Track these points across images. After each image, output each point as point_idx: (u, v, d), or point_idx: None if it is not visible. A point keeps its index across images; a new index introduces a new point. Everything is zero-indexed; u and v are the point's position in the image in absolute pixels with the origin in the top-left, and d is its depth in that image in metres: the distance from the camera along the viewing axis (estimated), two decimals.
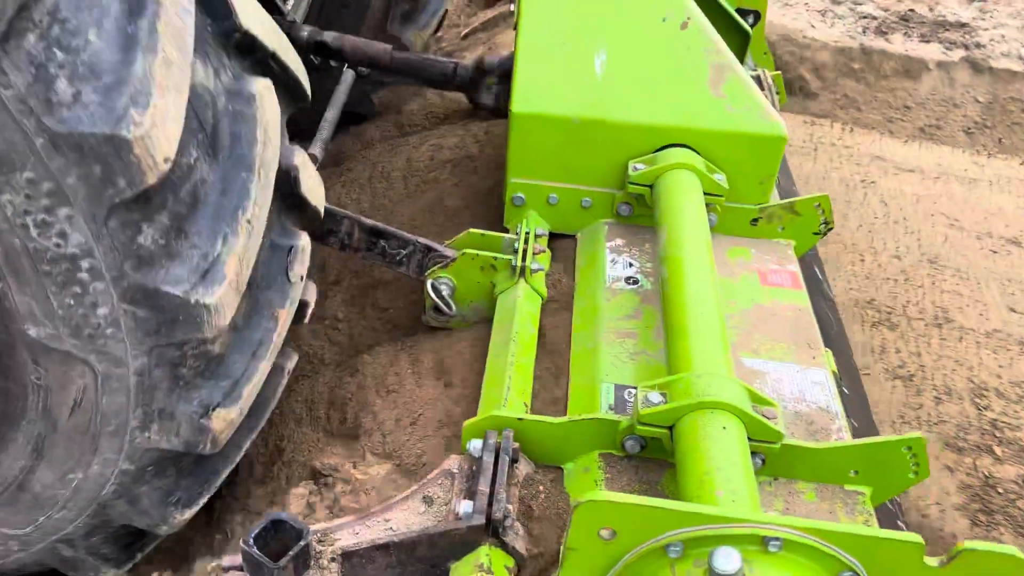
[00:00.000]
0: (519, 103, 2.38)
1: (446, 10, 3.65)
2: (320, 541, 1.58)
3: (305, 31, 2.88)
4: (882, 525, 1.81)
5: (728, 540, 1.19)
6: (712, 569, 1.14)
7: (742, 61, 3.01)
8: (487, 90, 2.86)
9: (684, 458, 1.55)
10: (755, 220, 2.50)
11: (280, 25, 2.01)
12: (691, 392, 1.63)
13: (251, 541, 1.44)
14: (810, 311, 2.27)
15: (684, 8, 2.39)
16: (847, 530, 1.20)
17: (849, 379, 2.28)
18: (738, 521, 1.19)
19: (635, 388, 1.83)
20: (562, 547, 1.30)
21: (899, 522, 1.91)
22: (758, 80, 2.81)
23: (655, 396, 1.66)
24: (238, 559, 1.49)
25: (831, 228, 2.48)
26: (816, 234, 2.51)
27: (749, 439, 1.62)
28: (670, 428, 1.64)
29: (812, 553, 1.21)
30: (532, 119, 2.38)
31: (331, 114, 2.86)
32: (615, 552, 1.26)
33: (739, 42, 2.99)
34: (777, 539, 1.19)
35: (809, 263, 2.70)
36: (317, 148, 2.67)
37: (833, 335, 2.43)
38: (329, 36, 2.90)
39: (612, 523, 1.23)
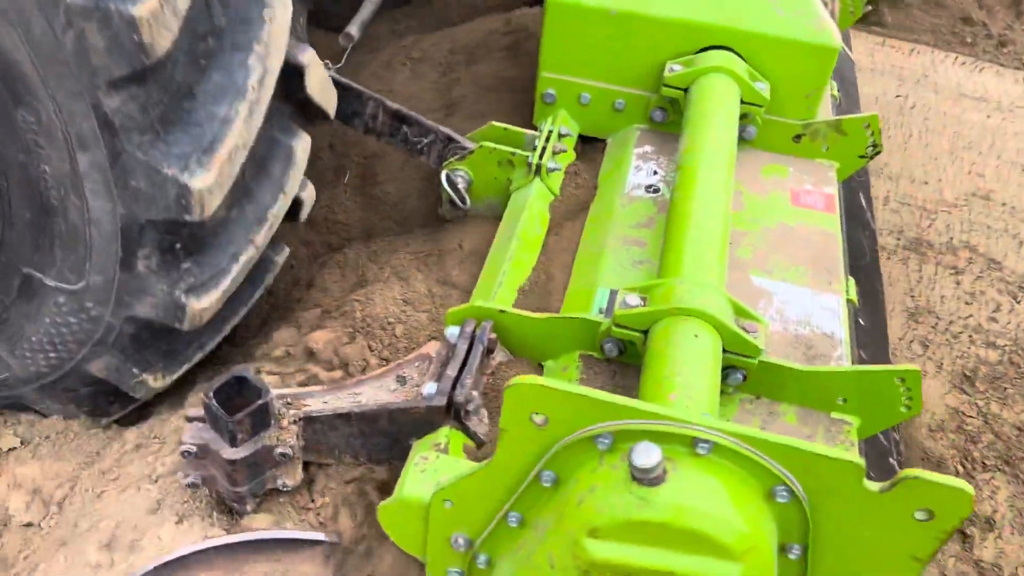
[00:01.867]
0: None
1: None
2: (288, 404, 1.62)
3: None
4: (871, 460, 1.74)
5: (655, 437, 1.16)
6: (631, 463, 1.11)
7: None
8: None
9: (650, 361, 1.51)
10: (798, 137, 2.35)
11: None
12: (670, 298, 1.57)
13: (211, 394, 1.49)
14: (838, 237, 2.14)
15: None
16: (781, 441, 1.14)
17: (871, 313, 2.17)
18: (667, 419, 1.15)
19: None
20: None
21: (891, 459, 1.83)
22: None
23: (633, 298, 1.61)
24: (202, 411, 1.54)
25: (879, 151, 2.31)
26: (862, 157, 2.35)
27: (725, 351, 1.56)
28: (645, 332, 1.60)
29: (743, 461, 1.17)
30: (568, 8, 2.27)
31: None
32: (548, 438, 1.24)
33: None
34: (706, 442, 1.15)
35: (855, 188, 2.55)
36: (355, 27, 2.63)
37: (864, 266, 2.30)
38: None
39: (544, 409, 1.21)
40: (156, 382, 1.95)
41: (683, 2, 2.22)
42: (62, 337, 1.86)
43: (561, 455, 1.24)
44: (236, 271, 1.82)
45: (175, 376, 1.99)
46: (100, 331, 1.83)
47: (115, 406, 2.07)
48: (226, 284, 1.80)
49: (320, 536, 1.60)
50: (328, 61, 2.35)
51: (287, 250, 2.17)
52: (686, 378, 1.41)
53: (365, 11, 2.68)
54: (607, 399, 1.17)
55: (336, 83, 2.35)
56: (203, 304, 1.77)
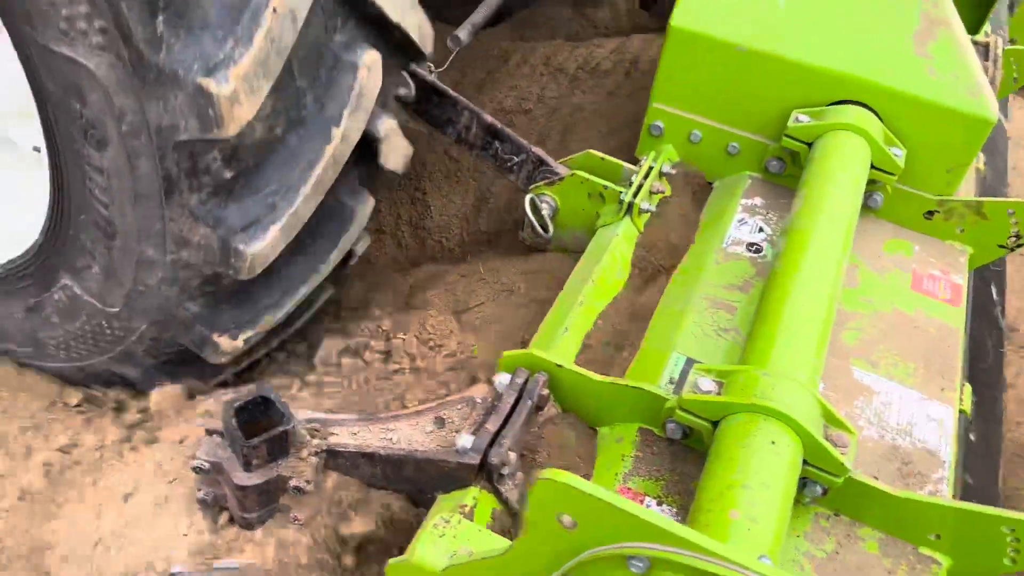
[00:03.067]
0: (681, 16, 2.07)
1: None
2: (314, 431, 1.50)
3: None
4: None
5: (697, 574, 0.97)
6: None
7: (980, 23, 2.49)
8: None
9: (714, 462, 1.31)
10: (930, 213, 2.08)
11: None
12: (750, 390, 1.37)
13: (232, 411, 1.38)
14: (959, 334, 1.87)
15: None
16: None
17: (986, 426, 1.88)
18: (715, 557, 0.96)
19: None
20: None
21: None
22: (984, 48, 2.30)
23: (707, 382, 1.41)
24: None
25: (1023, 244, 2.02)
26: (1002, 247, 2.06)
27: (805, 463, 1.35)
28: (715, 423, 1.40)
29: None
30: (692, 38, 2.07)
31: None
32: (575, 542, 1.07)
33: (982, 2, 2.45)
34: None
35: (988, 278, 2.25)
36: (464, 31, 2.50)
37: (985, 369, 2.01)
38: None
39: (575, 512, 1.04)
40: (227, 343, 1.82)
41: (821, 48, 1.99)
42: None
43: (589, 565, 1.07)
44: (294, 209, 1.67)
45: (245, 338, 1.84)
46: None
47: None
48: (280, 224, 1.66)
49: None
50: (431, 64, 2.24)
51: (372, 201, 1.99)
52: (754, 494, 1.21)
53: (479, 14, 2.55)
54: (648, 518, 0.99)
55: (434, 89, 2.24)
56: (256, 248, 1.62)
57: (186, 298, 1.74)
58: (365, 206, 1.93)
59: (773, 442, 1.30)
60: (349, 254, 1.98)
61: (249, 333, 1.69)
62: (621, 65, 2.77)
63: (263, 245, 1.64)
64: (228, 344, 1.71)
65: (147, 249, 1.72)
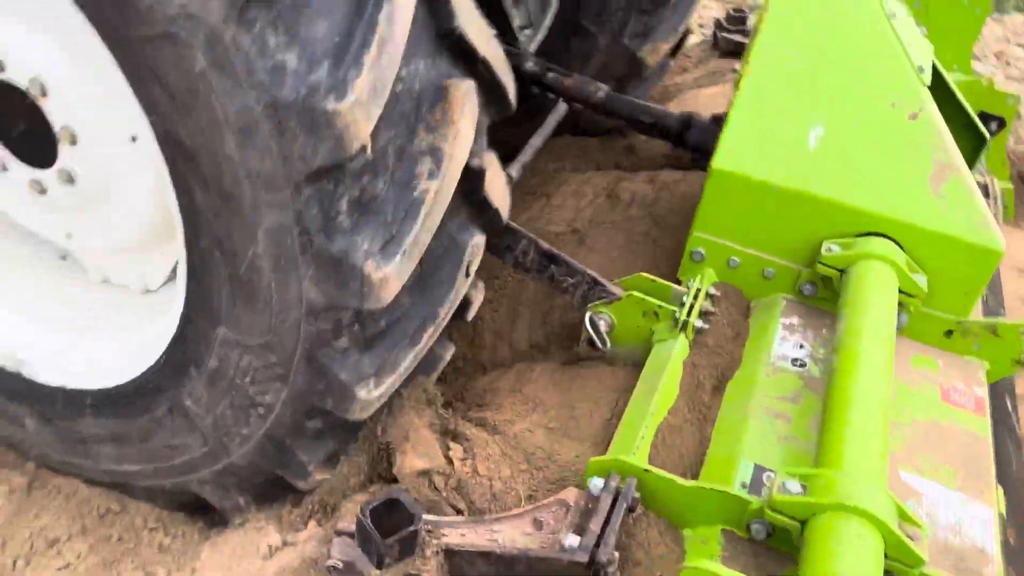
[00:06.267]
0: (722, 159, 2.35)
1: (688, 30, 3.47)
2: (428, 532, 1.63)
3: (530, 64, 3.01)
4: None
5: None
6: None
7: (972, 166, 2.81)
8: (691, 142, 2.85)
9: (810, 558, 1.46)
10: (950, 332, 2.32)
11: (509, 55, 2.05)
12: (834, 490, 1.53)
13: (367, 512, 1.51)
14: (989, 442, 2.07)
15: (917, 99, 2.26)
16: None
17: (1018, 528, 2.06)
18: None
19: (774, 472, 1.75)
20: None
21: None
22: (984, 188, 2.61)
23: (794, 485, 1.58)
24: (352, 525, 1.56)
25: None
26: (1017, 363, 2.29)
27: (886, 556, 1.51)
28: (802, 522, 1.56)
29: None
30: (731, 177, 2.34)
31: (537, 140, 2.95)
32: None
33: (973, 146, 2.79)
34: None
35: (1001, 393, 2.47)
36: (515, 168, 2.76)
37: (1010, 475, 2.20)
38: (550, 75, 3.02)
39: None
40: (369, 393, 1.81)
41: (847, 187, 2.26)
42: None
43: None
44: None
45: (384, 386, 1.83)
46: None
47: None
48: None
49: None
50: None
51: (481, 238, 2.00)
52: None
53: (527, 154, 2.82)
54: None
55: None
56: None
57: (320, 348, 1.75)
58: (475, 241, 1.98)
59: (860, 536, 1.45)
60: (466, 304, 2.07)
61: (386, 382, 1.75)
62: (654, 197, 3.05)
63: (388, 270, 1.65)
64: (368, 395, 1.76)
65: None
